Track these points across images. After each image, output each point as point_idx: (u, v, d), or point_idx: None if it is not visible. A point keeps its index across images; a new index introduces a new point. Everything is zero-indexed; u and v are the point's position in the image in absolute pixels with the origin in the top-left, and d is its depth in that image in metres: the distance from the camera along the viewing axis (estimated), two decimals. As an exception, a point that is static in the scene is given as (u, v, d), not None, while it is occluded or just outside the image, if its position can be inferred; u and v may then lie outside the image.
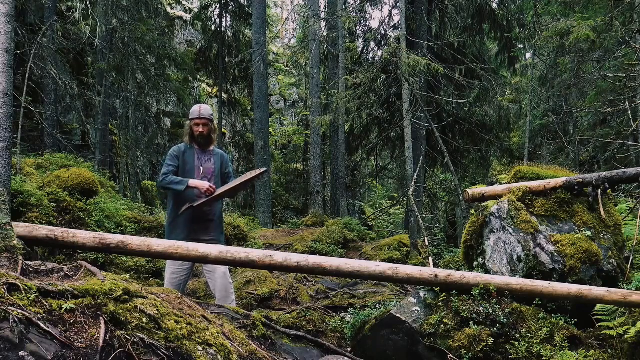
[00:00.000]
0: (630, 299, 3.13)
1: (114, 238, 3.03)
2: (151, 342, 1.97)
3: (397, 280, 3.36)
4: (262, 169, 4.19)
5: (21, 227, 2.90)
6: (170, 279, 3.93)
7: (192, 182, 3.84)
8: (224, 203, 4.29)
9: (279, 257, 3.17)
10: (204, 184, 3.83)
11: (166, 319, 2.17)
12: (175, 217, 3.94)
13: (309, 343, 3.43)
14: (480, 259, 3.95)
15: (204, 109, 4.13)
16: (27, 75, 6.27)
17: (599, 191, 3.91)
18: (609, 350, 3.04)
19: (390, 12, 14.90)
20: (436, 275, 3.29)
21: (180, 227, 3.92)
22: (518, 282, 3.31)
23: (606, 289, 3.23)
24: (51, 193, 4.88)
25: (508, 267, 3.63)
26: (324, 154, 15.81)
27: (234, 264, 3.31)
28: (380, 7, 18.66)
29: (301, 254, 3.25)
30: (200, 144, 4.11)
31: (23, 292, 1.87)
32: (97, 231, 5.06)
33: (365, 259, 9.14)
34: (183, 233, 3.88)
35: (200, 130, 4.06)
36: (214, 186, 3.87)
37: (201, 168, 4.06)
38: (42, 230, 2.93)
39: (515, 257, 3.59)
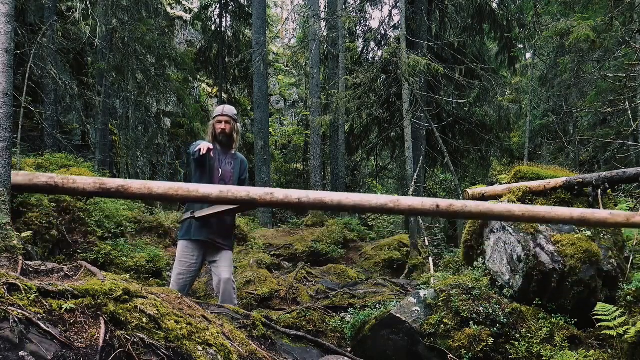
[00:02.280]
0: (634, 220, 3.16)
1: (113, 182, 3.02)
2: (151, 342, 1.97)
3: (399, 212, 3.34)
4: None
5: (21, 176, 2.92)
6: (176, 279, 3.89)
7: (201, 144, 3.70)
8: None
9: (280, 194, 3.17)
10: (204, 147, 3.67)
11: (166, 319, 2.17)
12: (188, 219, 3.92)
13: (309, 343, 3.43)
14: (480, 259, 3.94)
15: (227, 107, 4.11)
16: (27, 75, 6.27)
17: (599, 191, 3.91)
18: (609, 350, 3.04)
19: (390, 12, 14.92)
20: (437, 206, 3.27)
21: (198, 228, 3.89)
22: (520, 208, 3.31)
23: (609, 211, 3.26)
24: (51, 193, 4.87)
25: (508, 267, 3.63)
26: (324, 154, 15.81)
27: (235, 203, 3.29)
28: (380, 7, 18.68)
29: (302, 191, 3.26)
30: (222, 143, 4.05)
31: (23, 292, 1.87)
32: (97, 231, 5.06)
33: (366, 259, 9.15)
34: (201, 234, 3.87)
35: (222, 127, 4.02)
36: (212, 148, 3.72)
37: (220, 170, 4.00)
38: (42, 178, 2.94)
39: (515, 257, 3.58)
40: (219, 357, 2.21)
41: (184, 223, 3.97)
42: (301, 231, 10.90)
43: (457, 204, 3.30)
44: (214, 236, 3.90)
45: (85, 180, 2.99)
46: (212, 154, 3.99)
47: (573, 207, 3.87)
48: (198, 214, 3.82)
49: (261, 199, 3.12)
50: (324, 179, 16.49)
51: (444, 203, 3.28)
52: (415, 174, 9.10)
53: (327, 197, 3.21)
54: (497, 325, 3.19)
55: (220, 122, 4.04)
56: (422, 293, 3.50)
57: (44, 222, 4.23)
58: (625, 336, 2.85)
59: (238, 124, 4.21)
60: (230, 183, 4.03)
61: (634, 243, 3.98)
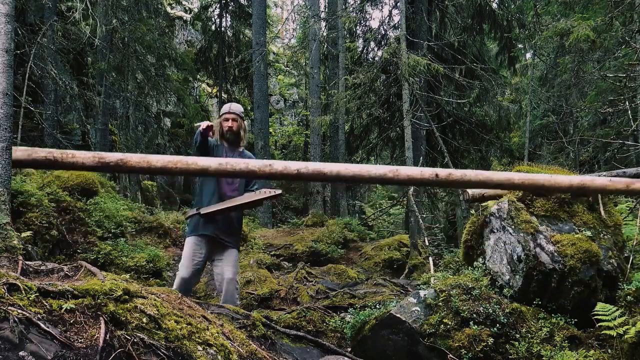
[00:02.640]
0: (633, 187, 3.15)
1: (113, 156, 2.99)
2: (151, 342, 1.97)
3: (398, 182, 3.31)
4: (277, 191, 3.98)
5: (20, 151, 2.91)
6: (182, 277, 3.86)
7: (200, 126, 3.78)
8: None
9: (279, 165, 3.14)
10: (203, 124, 3.76)
11: (166, 319, 2.17)
12: (194, 215, 3.94)
13: (309, 343, 3.43)
14: (480, 259, 3.94)
15: (234, 105, 4.13)
16: (27, 75, 6.27)
17: (599, 191, 3.91)
18: (609, 350, 3.04)
19: (390, 12, 14.91)
20: (437, 175, 3.24)
21: (204, 224, 3.91)
22: (520, 176, 3.30)
23: (609, 178, 3.26)
24: (51, 193, 4.87)
25: (508, 267, 3.63)
26: (324, 154, 15.80)
27: (234, 175, 3.27)
28: (380, 7, 18.67)
29: (301, 162, 3.24)
30: (229, 141, 4.05)
31: (23, 292, 1.87)
32: (97, 231, 5.06)
33: (366, 259, 9.15)
34: (208, 229, 3.90)
35: (230, 125, 4.01)
36: (211, 124, 3.77)
37: None
38: (41, 153, 2.92)
39: (515, 257, 3.58)
40: (219, 357, 2.21)
41: (191, 220, 3.98)
42: (301, 231, 10.90)
43: (457, 173, 3.29)
44: (219, 232, 3.91)
45: (84, 154, 2.97)
46: (219, 151, 4.01)
47: (573, 206, 3.88)
48: (204, 211, 3.83)
49: (260, 170, 3.10)
50: (324, 179, 16.46)
51: (442, 172, 3.26)
52: (415, 174, 9.09)
53: (326, 168, 3.19)
54: (497, 325, 3.19)
55: (227, 119, 4.05)
56: (422, 293, 3.50)
57: (44, 222, 4.23)
58: (625, 336, 2.85)
59: (245, 122, 4.21)
60: (236, 181, 4.03)
61: (634, 243, 3.98)
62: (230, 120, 4.03)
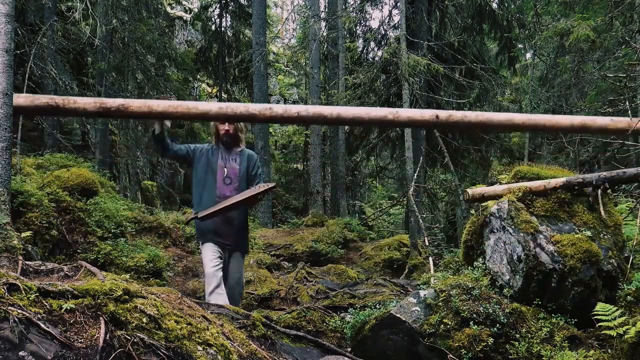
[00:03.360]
0: (637, 126, 3.16)
1: (114, 102, 2.99)
2: (151, 342, 1.97)
3: (398, 124, 3.38)
4: (271, 184, 3.97)
5: (22, 97, 2.92)
6: (208, 271, 3.87)
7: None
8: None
9: (279, 109, 3.16)
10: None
11: (166, 319, 2.17)
12: (192, 219, 3.96)
13: (309, 343, 3.43)
14: (480, 259, 3.94)
15: None
16: (27, 75, 6.26)
17: (599, 191, 3.90)
18: (609, 350, 3.04)
19: (390, 12, 14.91)
20: (437, 116, 3.26)
21: (206, 229, 3.94)
22: (521, 117, 3.34)
23: (610, 118, 3.29)
24: (51, 193, 4.86)
25: (508, 267, 3.63)
26: (324, 154, 15.80)
27: (235, 119, 3.27)
28: (380, 7, 18.68)
29: (301, 105, 3.27)
30: (226, 143, 4.01)
31: (23, 292, 1.87)
32: (97, 231, 5.06)
33: (366, 259, 9.15)
34: (210, 234, 3.92)
35: (226, 128, 3.95)
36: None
37: (225, 169, 3.96)
38: (43, 99, 2.94)
39: (515, 257, 3.58)
40: (219, 357, 2.21)
41: (196, 225, 4.00)
42: (301, 231, 10.90)
43: (457, 114, 3.31)
44: (221, 239, 3.91)
45: (86, 100, 2.98)
46: (215, 154, 3.99)
47: (573, 207, 3.88)
48: (202, 213, 3.79)
49: (260, 113, 3.10)
50: (324, 179, 16.49)
51: (443, 113, 3.28)
52: (415, 174, 9.11)
53: (327, 111, 3.20)
54: (497, 325, 3.19)
55: (223, 122, 4.02)
56: (422, 293, 3.50)
57: (44, 222, 4.22)
58: (625, 336, 2.85)
59: (242, 122, 4.19)
60: (236, 180, 3.99)
61: (634, 243, 3.98)
62: (226, 124, 4.00)
